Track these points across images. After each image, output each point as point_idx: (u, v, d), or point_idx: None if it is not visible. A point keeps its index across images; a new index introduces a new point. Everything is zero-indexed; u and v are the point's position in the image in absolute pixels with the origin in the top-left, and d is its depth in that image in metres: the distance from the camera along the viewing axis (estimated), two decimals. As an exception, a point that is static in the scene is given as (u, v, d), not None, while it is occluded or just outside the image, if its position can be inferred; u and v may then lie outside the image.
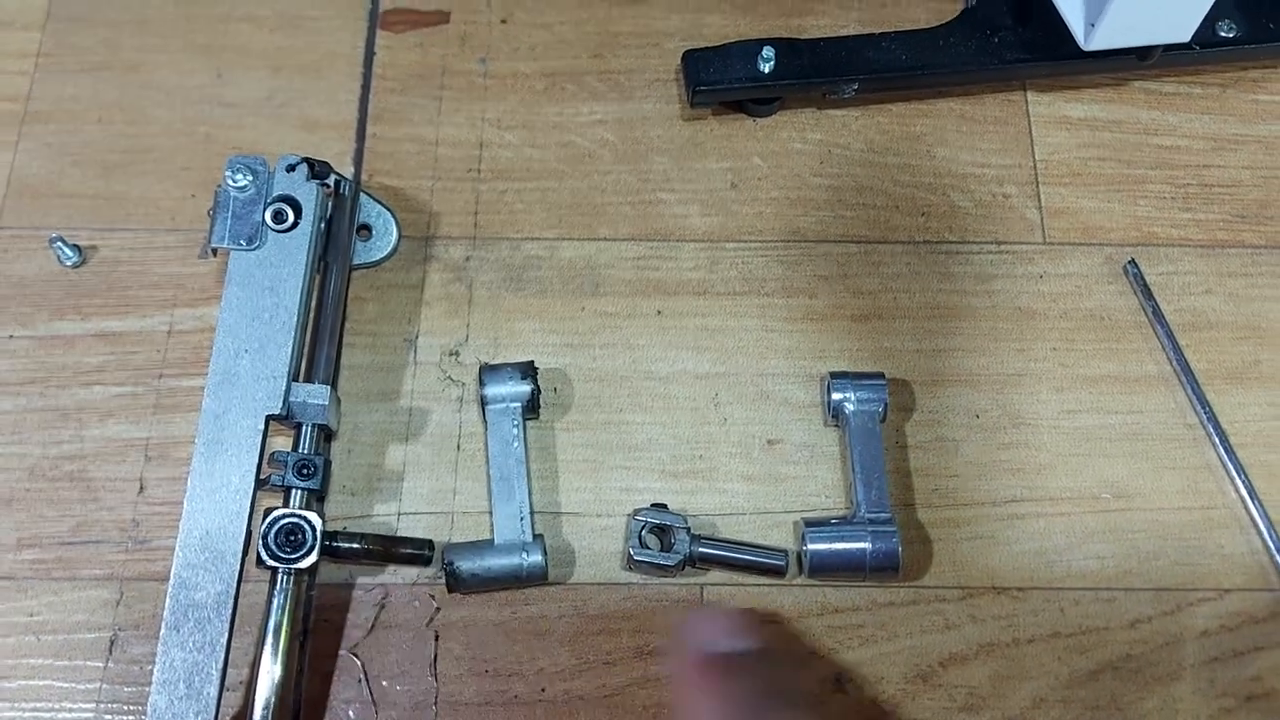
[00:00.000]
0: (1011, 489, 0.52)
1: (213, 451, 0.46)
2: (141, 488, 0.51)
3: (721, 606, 0.49)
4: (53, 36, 0.60)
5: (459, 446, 0.52)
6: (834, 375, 0.52)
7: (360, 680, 0.48)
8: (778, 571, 0.49)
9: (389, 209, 0.55)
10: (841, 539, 0.48)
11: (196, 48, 0.60)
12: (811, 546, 0.48)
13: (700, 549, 0.49)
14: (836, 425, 0.52)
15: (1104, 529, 0.51)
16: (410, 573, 0.50)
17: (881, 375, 0.52)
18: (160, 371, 0.53)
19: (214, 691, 0.44)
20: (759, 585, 0.50)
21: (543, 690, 0.48)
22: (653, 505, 0.50)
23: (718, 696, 0.40)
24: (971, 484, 0.52)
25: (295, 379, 0.49)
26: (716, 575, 0.50)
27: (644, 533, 0.49)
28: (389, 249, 0.55)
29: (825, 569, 0.48)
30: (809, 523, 0.49)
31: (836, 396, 0.51)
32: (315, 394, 0.48)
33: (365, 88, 0.59)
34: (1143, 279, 0.55)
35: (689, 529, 0.49)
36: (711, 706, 0.40)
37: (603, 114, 0.59)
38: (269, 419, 0.47)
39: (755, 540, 0.50)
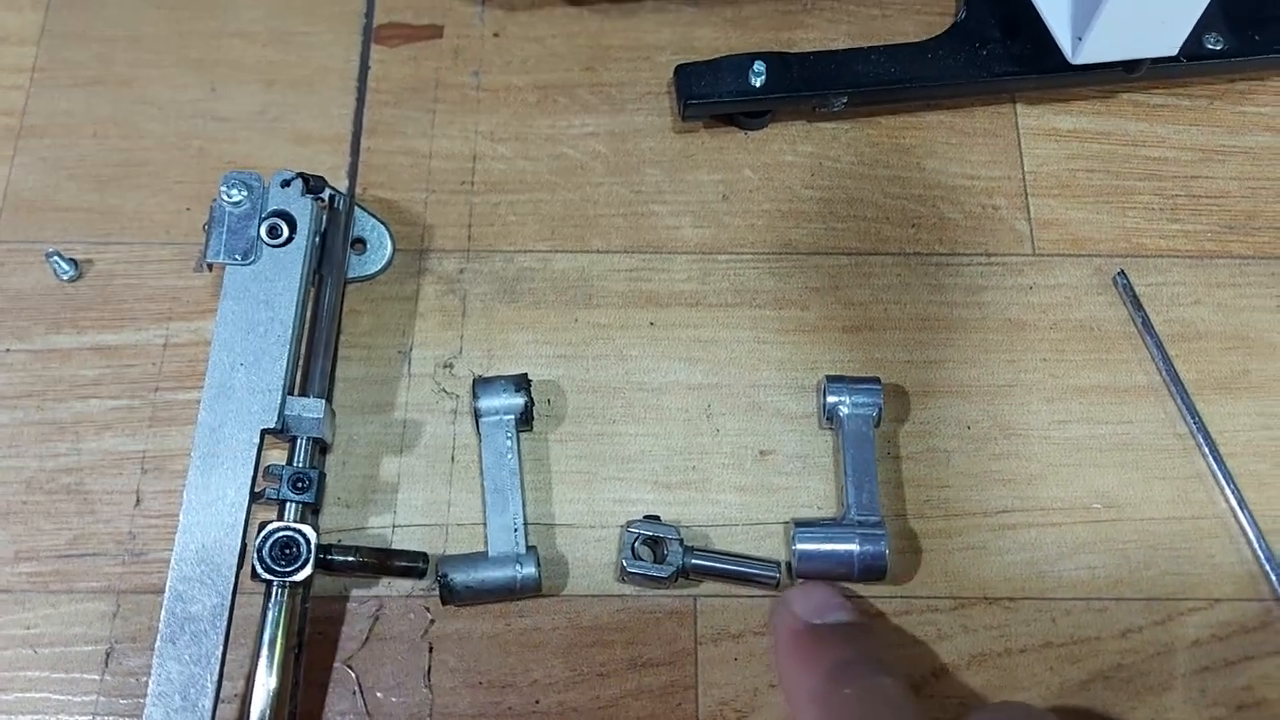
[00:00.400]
0: (1002, 499, 0.52)
1: (208, 465, 0.47)
2: (138, 500, 0.51)
3: (821, 583, 0.49)
4: (47, 52, 0.60)
5: (453, 458, 0.52)
6: (830, 379, 0.52)
7: (355, 692, 0.48)
8: (770, 583, 0.50)
9: (383, 222, 0.55)
10: (830, 540, 0.49)
11: (190, 62, 0.60)
12: (800, 546, 0.49)
13: (693, 560, 0.49)
14: (830, 428, 0.53)
15: (1095, 539, 0.52)
16: (405, 585, 0.50)
17: (877, 380, 0.52)
18: (156, 385, 0.53)
19: (209, 704, 0.44)
20: (752, 597, 0.50)
21: (536, 702, 0.48)
22: (645, 517, 0.50)
23: (811, 664, 0.41)
24: (963, 494, 0.52)
25: (290, 392, 0.49)
26: (709, 587, 0.50)
27: (637, 545, 0.49)
28: (383, 262, 0.55)
29: (813, 569, 0.49)
30: (799, 523, 0.50)
31: (832, 400, 0.52)
32: (310, 408, 0.48)
33: (359, 101, 0.60)
34: (1132, 290, 0.55)
35: (681, 540, 0.49)
36: (804, 674, 0.41)
37: (595, 126, 0.59)
38: (264, 432, 0.47)
39: (748, 552, 0.51)
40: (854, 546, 0.48)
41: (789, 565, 0.50)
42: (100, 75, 0.60)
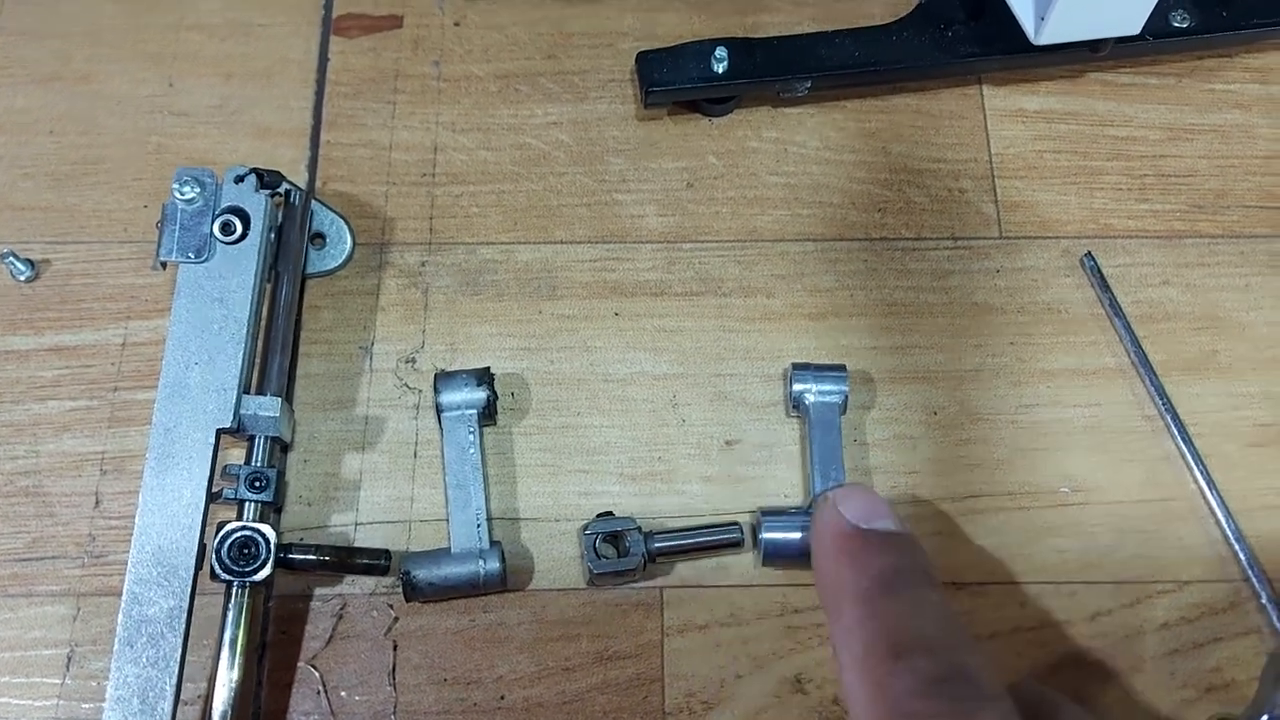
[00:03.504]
0: (970, 484, 0.52)
1: (164, 466, 0.46)
2: (97, 502, 0.51)
3: (866, 488, 0.49)
4: (2, 49, 0.60)
5: (416, 454, 0.52)
6: (796, 366, 0.52)
7: (319, 691, 0.48)
8: (735, 544, 0.49)
9: (342, 217, 0.55)
10: (797, 528, 0.48)
11: (147, 57, 0.60)
12: (766, 535, 0.48)
13: (655, 545, 0.49)
14: (797, 416, 0.53)
15: (1063, 523, 0.51)
16: (368, 583, 0.50)
17: (843, 367, 0.52)
18: (115, 384, 0.53)
19: (168, 707, 0.44)
20: (718, 587, 0.50)
21: (502, 698, 0.48)
22: (599, 516, 0.50)
23: (860, 567, 0.41)
24: (930, 480, 0.52)
25: (247, 391, 0.48)
26: (676, 578, 0.50)
27: (598, 544, 0.49)
28: (343, 257, 0.55)
29: (779, 556, 0.48)
30: (765, 511, 0.49)
31: (798, 387, 0.51)
32: (266, 406, 0.48)
33: (319, 94, 0.59)
34: (1100, 271, 0.55)
35: (640, 528, 0.49)
36: (852, 576, 0.41)
37: (557, 115, 0.59)
38: (220, 432, 0.47)
39: (706, 524, 0.50)
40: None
41: (753, 529, 0.50)
42: (57, 71, 0.59)
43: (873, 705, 0.37)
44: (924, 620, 0.39)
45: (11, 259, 0.54)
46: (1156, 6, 0.52)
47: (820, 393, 0.51)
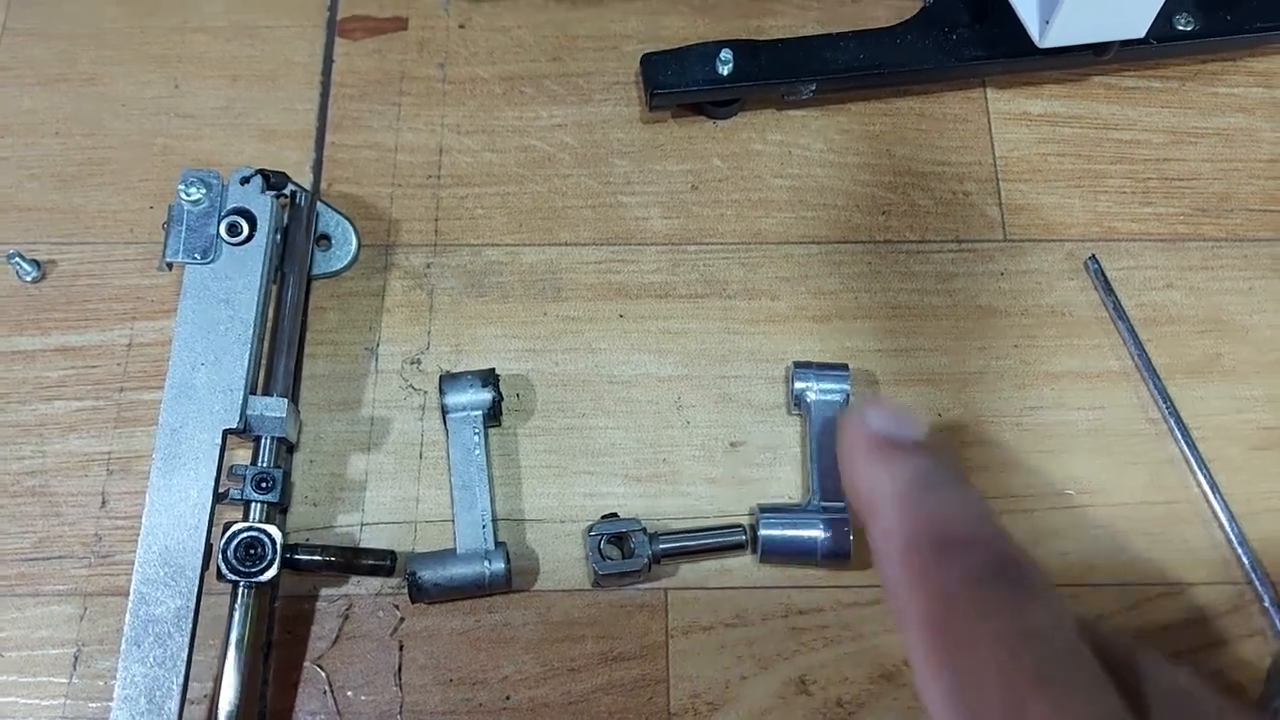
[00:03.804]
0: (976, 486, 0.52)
1: (170, 466, 0.46)
2: (104, 502, 0.51)
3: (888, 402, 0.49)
4: (8, 50, 0.60)
5: (421, 455, 0.52)
6: (797, 365, 0.52)
7: (325, 691, 0.48)
8: (738, 546, 0.50)
9: (347, 218, 0.55)
10: (794, 525, 0.49)
11: (153, 59, 0.60)
12: (765, 532, 0.48)
13: (660, 546, 0.49)
14: (799, 414, 0.53)
15: (1067, 525, 0.51)
16: (374, 583, 0.50)
17: (845, 366, 0.52)
18: (121, 385, 0.53)
19: (175, 706, 0.44)
20: (723, 588, 0.50)
21: (507, 698, 0.48)
22: (603, 517, 0.50)
23: (894, 469, 0.40)
24: (934, 483, 0.52)
25: (254, 391, 0.49)
26: (680, 580, 0.50)
27: (603, 545, 0.49)
28: (349, 258, 0.55)
29: (777, 553, 0.49)
30: (764, 508, 0.49)
31: (799, 386, 0.51)
32: (272, 407, 0.48)
33: (324, 96, 0.59)
34: (1103, 274, 0.55)
35: (644, 530, 0.49)
36: (887, 478, 0.40)
37: (562, 117, 0.59)
38: (226, 433, 0.47)
39: (710, 525, 0.51)
40: (818, 532, 0.48)
41: (751, 526, 0.50)
42: (63, 73, 0.60)
43: (916, 593, 0.36)
44: (967, 514, 0.38)
45: (18, 260, 0.54)
46: (1161, 10, 0.52)
47: (822, 391, 0.51)
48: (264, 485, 0.47)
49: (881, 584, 0.39)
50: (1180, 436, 0.52)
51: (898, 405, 0.45)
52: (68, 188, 0.57)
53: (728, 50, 0.56)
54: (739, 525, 0.50)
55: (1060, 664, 0.33)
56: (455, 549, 0.48)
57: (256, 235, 0.49)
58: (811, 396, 0.51)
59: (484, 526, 0.49)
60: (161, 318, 0.54)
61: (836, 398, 0.51)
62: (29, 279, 0.54)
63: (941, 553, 0.37)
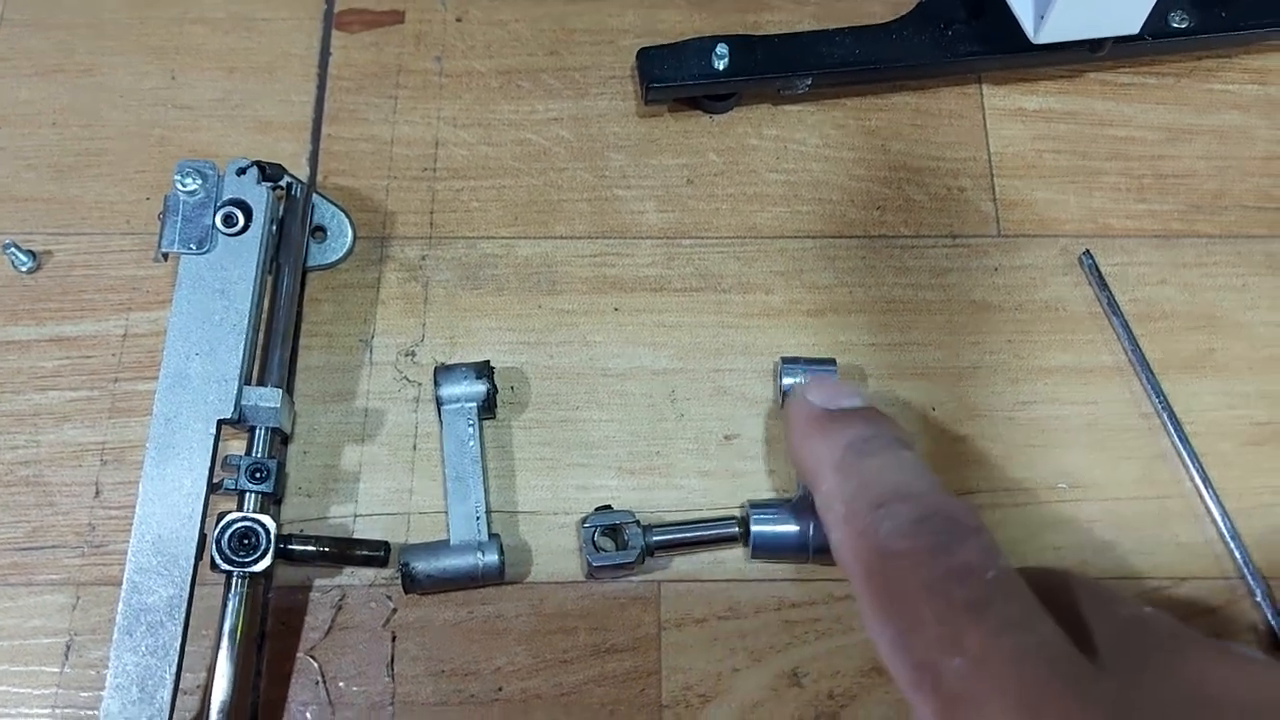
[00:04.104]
0: (968, 481, 0.52)
1: (164, 456, 0.46)
2: (97, 492, 0.51)
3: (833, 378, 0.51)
4: (6, 40, 0.60)
5: (415, 447, 0.52)
6: (785, 360, 0.52)
7: (318, 682, 0.48)
8: (731, 539, 0.50)
9: (343, 210, 0.55)
10: (784, 520, 0.49)
11: (150, 50, 0.60)
12: (755, 528, 0.48)
13: (654, 538, 0.49)
14: (788, 409, 0.53)
15: (1060, 519, 0.51)
16: (367, 574, 0.50)
17: (833, 361, 0.52)
18: (116, 375, 0.53)
19: (167, 695, 0.44)
20: (716, 581, 0.50)
21: (499, 689, 0.48)
22: (597, 509, 0.50)
23: (831, 439, 0.42)
24: (928, 477, 0.52)
25: (248, 382, 0.49)
26: (673, 572, 0.50)
27: (597, 537, 0.49)
28: (344, 250, 0.55)
29: (768, 549, 0.49)
30: (754, 504, 0.49)
31: (788, 381, 0.51)
32: (267, 397, 0.48)
33: (320, 88, 0.59)
34: (1098, 270, 0.55)
35: (638, 522, 0.49)
36: (825, 449, 0.42)
37: (558, 111, 0.59)
38: (220, 423, 0.47)
39: (704, 517, 0.51)
40: (808, 526, 0.48)
41: (742, 521, 0.50)
42: (60, 64, 0.60)
43: (859, 554, 0.39)
44: (900, 473, 0.40)
45: (13, 250, 0.54)
46: (1156, 7, 0.53)
47: None
48: (258, 475, 0.47)
49: (831, 550, 0.40)
50: (1173, 432, 0.52)
51: (836, 381, 0.47)
52: (64, 178, 0.57)
53: (724, 45, 0.56)
54: (733, 518, 0.50)
55: (992, 595, 0.35)
56: (449, 540, 0.48)
57: (252, 226, 0.50)
58: (801, 391, 0.51)
59: (478, 518, 0.49)
60: (157, 308, 0.54)
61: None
62: (24, 269, 0.54)
63: (877, 508, 0.39)
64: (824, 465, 0.42)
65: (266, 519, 0.46)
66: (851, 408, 0.44)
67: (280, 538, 0.47)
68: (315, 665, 0.48)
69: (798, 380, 0.51)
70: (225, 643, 0.46)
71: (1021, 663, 0.33)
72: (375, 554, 0.48)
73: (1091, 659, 0.35)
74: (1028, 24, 0.54)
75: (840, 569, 0.40)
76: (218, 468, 0.47)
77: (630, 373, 0.54)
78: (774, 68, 0.56)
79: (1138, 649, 0.36)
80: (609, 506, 0.50)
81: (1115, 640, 0.36)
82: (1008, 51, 0.57)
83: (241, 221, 0.49)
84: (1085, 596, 0.38)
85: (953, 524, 0.38)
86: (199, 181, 0.49)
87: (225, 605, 0.46)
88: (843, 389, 0.45)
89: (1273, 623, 0.49)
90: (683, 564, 0.50)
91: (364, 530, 0.51)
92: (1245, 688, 0.35)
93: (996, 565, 0.36)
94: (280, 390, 0.48)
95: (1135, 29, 0.53)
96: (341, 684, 0.48)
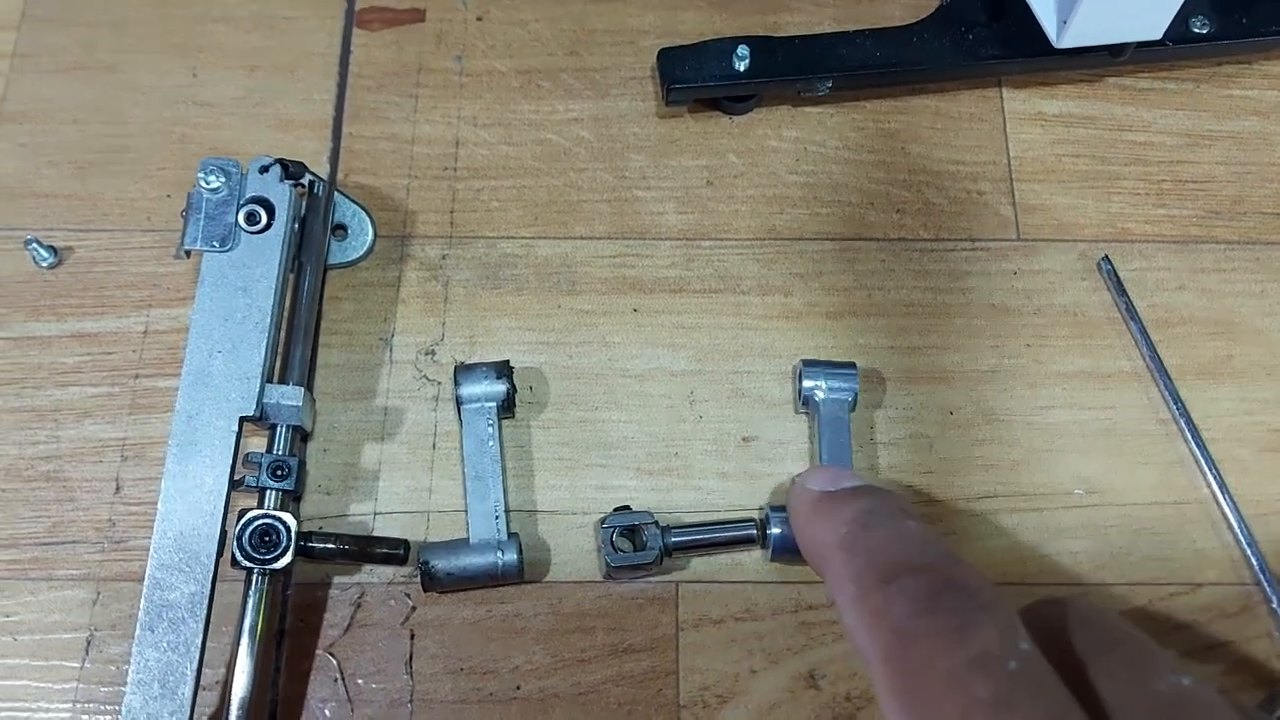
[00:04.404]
0: (985, 485, 0.52)
1: (186, 453, 0.46)
2: (118, 488, 0.51)
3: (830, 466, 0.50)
4: (28, 37, 0.60)
5: (434, 445, 0.52)
6: (805, 363, 0.52)
7: (336, 679, 0.48)
8: (749, 540, 0.50)
9: (364, 208, 0.55)
10: None
11: (172, 48, 0.60)
12: (775, 530, 0.48)
13: (672, 539, 0.49)
14: (806, 413, 0.53)
15: (1077, 524, 0.52)
16: (386, 572, 0.50)
17: (853, 365, 0.52)
18: (136, 372, 0.53)
19: (189, 692, 0.44)
20: (733, 582, 0.50)
21: (517, 688, 0.48)
22: (615, 510, 0.50)
23: (835, 519, 0.41)
24: (945, 480, 0.52)
25: (270, 380, 0.49)
26: (691, 573, 0.50)
27: (615, 538, 0.49)
28: (365, 248, 0.55)
29: (787, 551, 0.48)
30: (774, 507, 0.49)
31: (808, 384, 0.52)
32: (289, 395, 0.48)
33: (341, 86, 0.59)
34: (1116, 275, 0.55)
35: (657, 523, 0.49)
36: (829, 529, 0.41)
37: (579, 111, 0.59)
38: (243, 420, 0.47)
39: (722, 519, 0.51)
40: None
41: (761, 524, 0.50)
42: (82, 60, 0.60)
43: (873, 634, 0.37)
44: (907, 545, 0.39)
45: (35, 246, 0.54)
46: (1177, 12, 0.52)
47: (830, 390, 0.51)
48: (280, 473, 0.47)
49: (847, 636, 0.39)
50: (1191, 437, 0.52)
51: (831, 466, 0.47)
52: (85, 175, 0.57)
53: (745, 46, 0.56)
54: (751, 519, 0.50)
55: (1015, 688, 0.33)
56: (468, 539, 0.49)
57: (275, 224, 0.50)
58: (820, 395, 0.51)
59: (497, 517, 0.49)
60: (177, 305, 0.54)
61: (845, 396, 0.51)
62: (46, 265, 0.55)
63: (887, 584, 0.37)
64: (830, 547, 0.41)
65: (287, 516, 0.46)
66: (852, 487, 0.44)
67: (300, 535, 0.47)
68: (334, 662, 0.49)
69: (817, 383, 0.51)
70: (245, 639, 0.46)
71: None
72: (395, 552, 0.48)
73: None
74: (1050, 29, 0.54)
75: (856, 650, 0.39)
76: (238, 465, 0.47)
77: (649, 374, 0.54)
78: (795, 69, 0.56)
79: None
80: (627, 507, 0.50)
81: None
82: (1028, 55, 0.57)
83: (264, 219, 0.49)
84: (1108, 650, 0.36)
85: (968, 598, 0.36)
86: (222, 179, 0.50)
87: (245, 602, 0.46)
88: (841, 472, 0.45)
89: (1290, 629, 0.49)
90: (700, 565, 0.51)
91: (383, 528, 0.51)
92: None
93: (1017, 651, 0.34)
94: (302, 388, 0.49)
95: (1158, 34, 0.53)
96: (360, 681, 0.48)
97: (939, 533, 0.51)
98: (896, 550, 0.39)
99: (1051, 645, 0.35)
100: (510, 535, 0.49)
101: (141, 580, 0.45)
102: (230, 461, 0.47)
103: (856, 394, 0.51)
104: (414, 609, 0.49)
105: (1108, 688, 0.35)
